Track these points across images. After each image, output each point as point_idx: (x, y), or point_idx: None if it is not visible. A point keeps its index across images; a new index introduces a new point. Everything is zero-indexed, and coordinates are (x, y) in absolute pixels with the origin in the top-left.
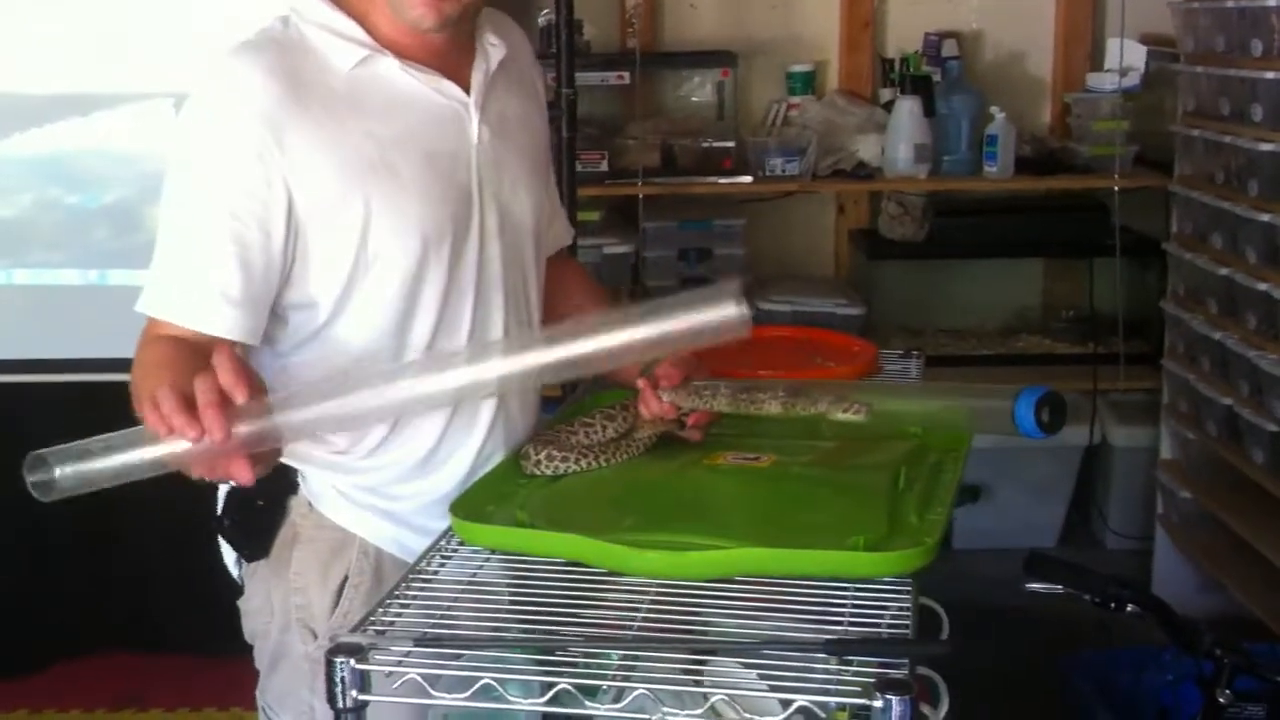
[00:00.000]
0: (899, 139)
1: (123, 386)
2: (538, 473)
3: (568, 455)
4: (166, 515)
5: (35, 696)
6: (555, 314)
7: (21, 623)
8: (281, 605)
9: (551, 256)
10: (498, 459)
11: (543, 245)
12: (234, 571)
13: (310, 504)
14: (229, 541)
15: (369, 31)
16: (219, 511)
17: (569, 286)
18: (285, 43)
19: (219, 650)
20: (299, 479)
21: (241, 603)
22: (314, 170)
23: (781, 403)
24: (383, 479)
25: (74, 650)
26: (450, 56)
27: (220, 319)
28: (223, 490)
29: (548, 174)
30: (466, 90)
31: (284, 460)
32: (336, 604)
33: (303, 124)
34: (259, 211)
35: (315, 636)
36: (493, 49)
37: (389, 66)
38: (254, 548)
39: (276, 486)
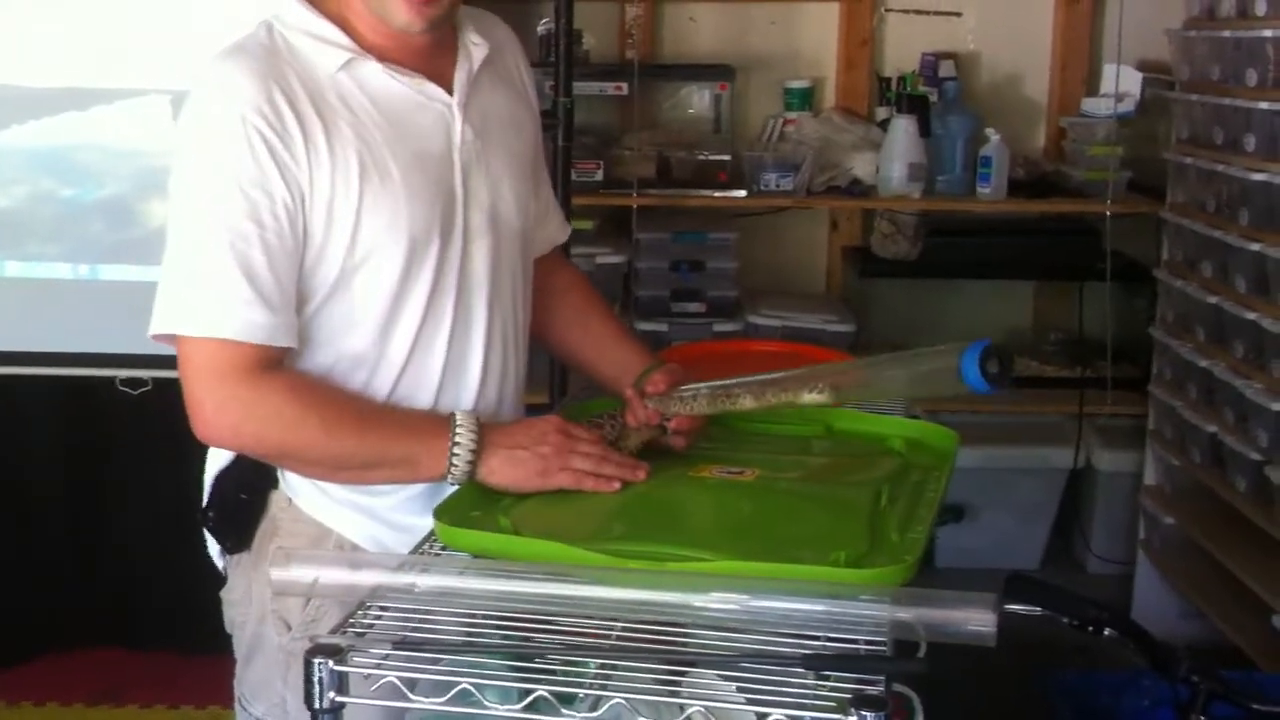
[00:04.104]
0: (894, 158)
1: (110, 381)
2: None
3: None
4: (150, 513)
5: (12, 690)
6: (552, 316)
7: (1, 615)
8: (259, 597)
9: (547, 257)
10: None
11: (530, 244)
12: (219, 563)
13: (290, 499)
14: (212, 534)
15: (349, 35)
16: (204, 504)
17: (566, 288)
18: (271, 49)
19: (198, 648)
20: (279, 473)
21: (224, 593)
22: (312, 173)
23: (754, 396)
24: None
25: (53, 645)
26: (433, 58)
27: (270, 328)
28: (208, 484)
29: (537, 172)
30: (449, 91)
31: None
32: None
33: (300, 128)
34: (281, 214)
35: (289, 628)
36: (475, 48)
37: (372, 70)
38: (236, 540)
39: (257, 480)
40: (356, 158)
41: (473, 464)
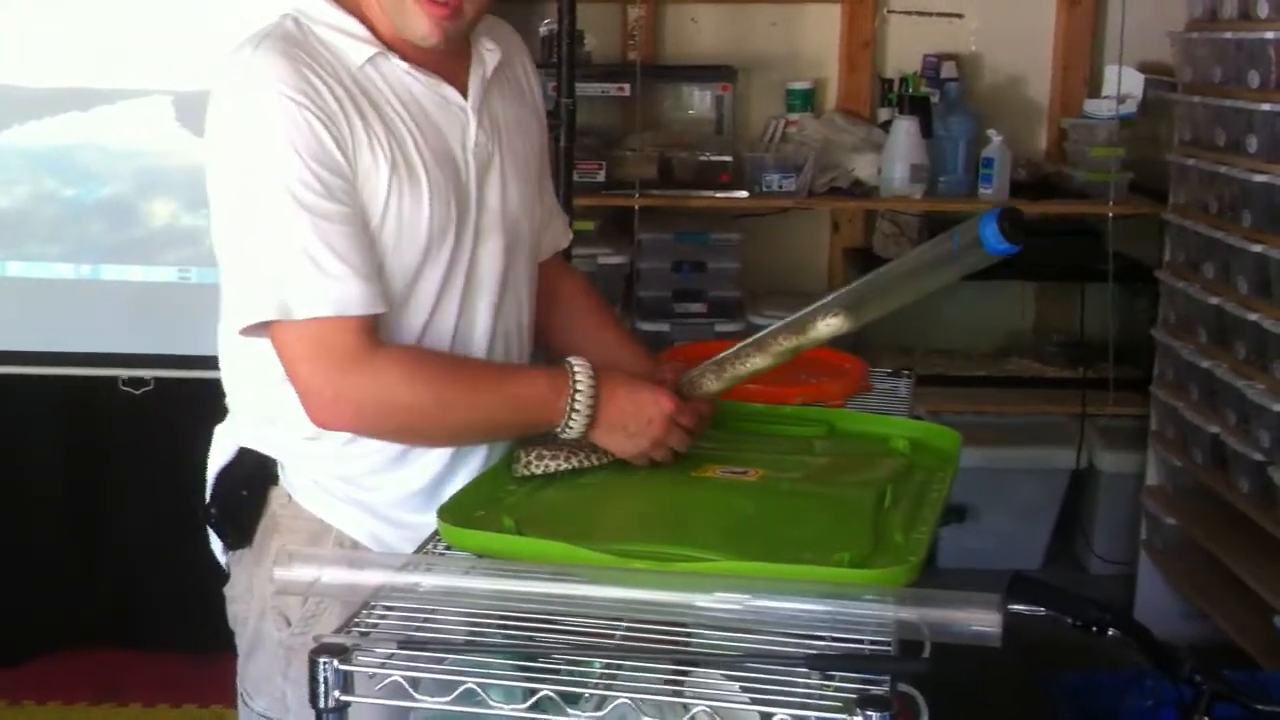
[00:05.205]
0: (895, 159)
1: (111, 381)
2: (528, 473)
3: (557, 454)
4: (152, 512)
5: (15, 689)
6: (555, 320)
7: (3, 615)
8: (260, 592)
9: (550, 262)
10: (477, 454)
11: (535, 248)
12: (221, 559)
13: (290, 495)
14: (214, 530)
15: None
16: (206, 501)
17: (569, 293)
18: (300, 40)
19: (201, 647)
20: (279, 470)
21: (227, 589)
22: (356, 154)
23: (763, 351)
24: (359, 469)
25: (55, 644)
26: (447, 61)
27: (368, 298)
28: (210, 481)
29: (543, 178)
30: (463, 94)
31: (264, 451)
32: None
33: (340, 109)
34: (349, 189)
35: (289, 624)
36: (488, 54)
37: (395, 67)
38: (237, 536)
39: (258, 477)
40: (386, 151)
41: (586, 429)
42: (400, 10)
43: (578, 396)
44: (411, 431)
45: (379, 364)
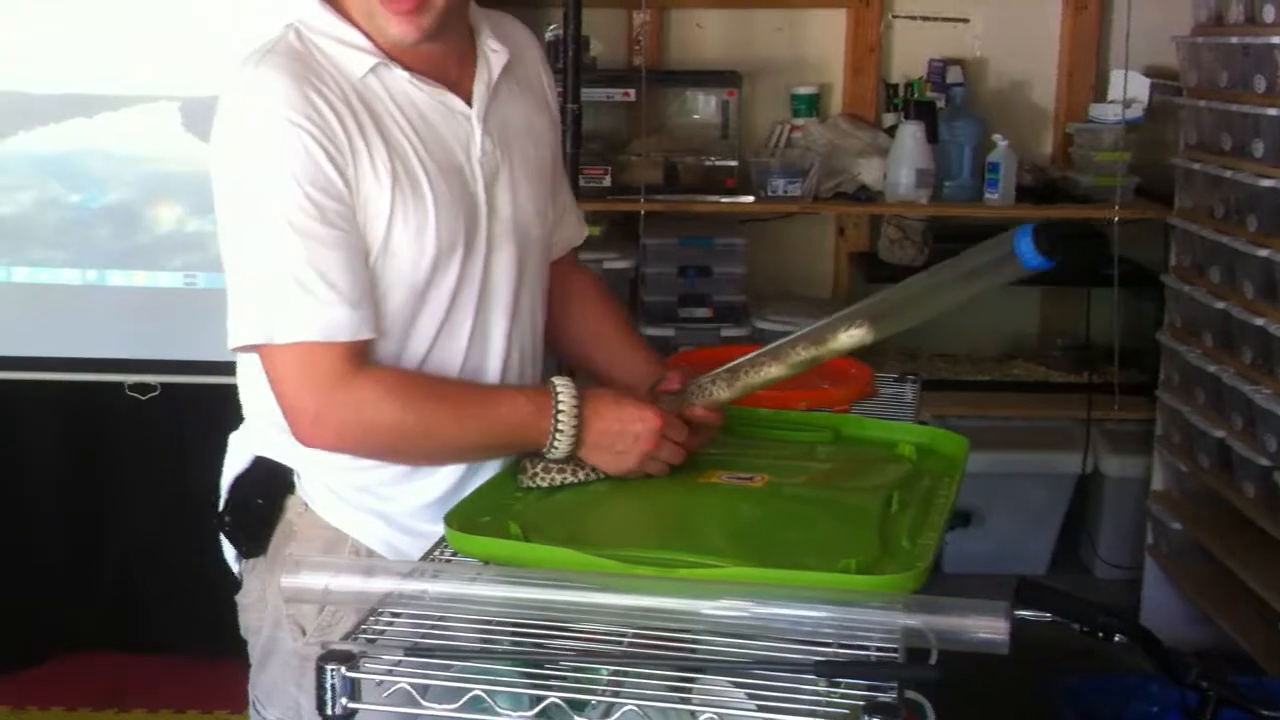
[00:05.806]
0: (901, 163)
1: (118, 386)
2: (533, 485)
3: (564, 467)
4: (159, 518)
5: (18, 694)
6: (567, 321)
7: (7, 620)
8: (274, 601)
9: (563, 261)
10: (492, 465)
11: (547, 251)
12: (234, 567)
13: (306, 504)
14: (228, 538)
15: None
16: (220, 508)
17: (581, 294)
18: (303, 52)
19: (206, 653)
20: (295, 478)
21: (239, 597)
22: (357, 172)
23: (779, 360)
24: (376, 479)
25: (59, 649)
26: (450, 67)
27: (354, 324)
28: (225, 488)
29: (555, 177)
30: (468, 100)
31: (280, 460)
32: None
33: (341, 128)
34: (345, 210)
35: (304, 633)
36: (494, 55)
37: (398, 78)
38: (251, 545)
39: (273, 485)
40: (389, 166)
41: (572, 449)
42: (371, 16)
43: (560, 417)
44: (395, 452)
45: (361, 385)
